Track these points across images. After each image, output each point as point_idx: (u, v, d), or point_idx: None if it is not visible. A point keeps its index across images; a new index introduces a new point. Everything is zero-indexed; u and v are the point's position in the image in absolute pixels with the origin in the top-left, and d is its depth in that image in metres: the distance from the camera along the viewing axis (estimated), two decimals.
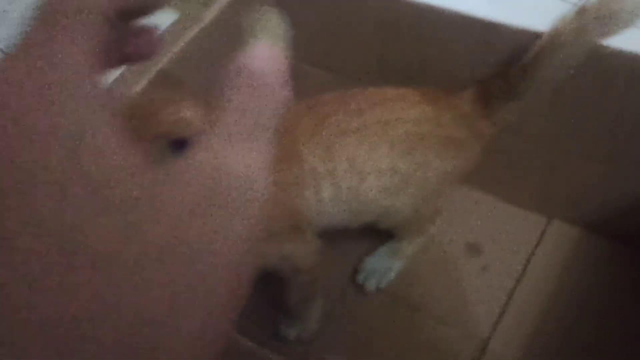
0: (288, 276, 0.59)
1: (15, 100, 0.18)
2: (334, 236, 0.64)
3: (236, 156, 0.20)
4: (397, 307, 0.68)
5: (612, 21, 0.52)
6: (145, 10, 0.22)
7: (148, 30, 0.23)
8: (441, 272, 0.71)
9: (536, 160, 0.68)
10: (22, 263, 0.17)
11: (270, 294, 0.63)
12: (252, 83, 0.21)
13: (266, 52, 0.22)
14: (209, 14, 0.55)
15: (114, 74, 0.56)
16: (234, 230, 0.19)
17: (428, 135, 0.59)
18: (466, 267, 0.71)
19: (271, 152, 0.21)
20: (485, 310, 0.67)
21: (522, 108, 0.61)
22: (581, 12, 0.52)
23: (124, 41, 0.23)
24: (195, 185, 0.19)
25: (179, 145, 0.39)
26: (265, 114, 0.21)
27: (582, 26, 0.52)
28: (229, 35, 0.55)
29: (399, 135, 0.58)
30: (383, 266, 0.69)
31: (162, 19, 0.60)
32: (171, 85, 0.50)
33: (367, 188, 0.58)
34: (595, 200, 0.68)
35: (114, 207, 0.18)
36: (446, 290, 0.69)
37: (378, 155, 0.58)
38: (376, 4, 0.63)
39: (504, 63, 0.59)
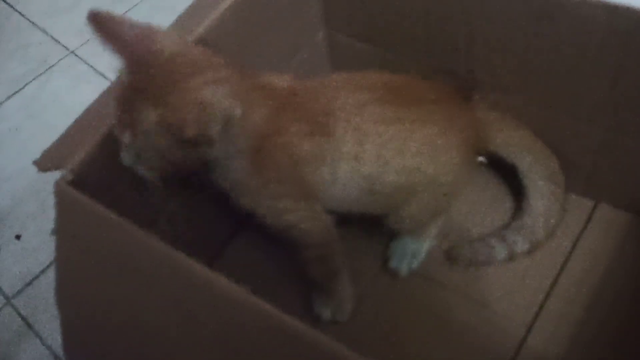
0: (300, 248, 0.59)
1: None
2: (362, 223, 0.64)
3: None
4: (433, 288, 0.68)
5: None
6: None
7: None
8: None
9: (586, 141, 0.64)
10: None
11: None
12: None
13: None
14: None
15: None
16: None
17: (453, 142, 0.61)
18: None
19: None
20: (528, 296, 0.66)
21: (577, 88, 0.59)
22: None
23: None
24: None
25: None
26: None
27: None
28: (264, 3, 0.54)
29: (428, 137, 0.59)
30: (411, 248, 0.69)
31: None
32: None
33: (386, 181, 0.58)
34: None
35: None
36: (487, 274, 0.68)
37: (407, 152, 0.58)
38: None
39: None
